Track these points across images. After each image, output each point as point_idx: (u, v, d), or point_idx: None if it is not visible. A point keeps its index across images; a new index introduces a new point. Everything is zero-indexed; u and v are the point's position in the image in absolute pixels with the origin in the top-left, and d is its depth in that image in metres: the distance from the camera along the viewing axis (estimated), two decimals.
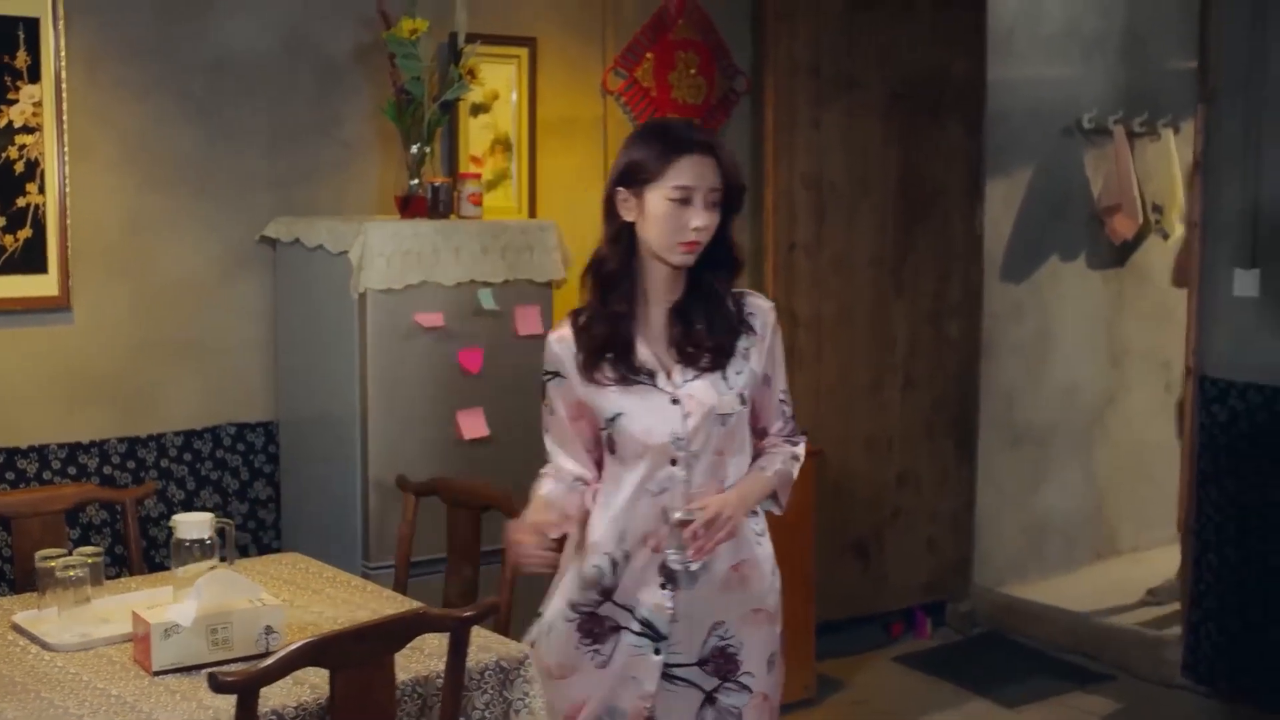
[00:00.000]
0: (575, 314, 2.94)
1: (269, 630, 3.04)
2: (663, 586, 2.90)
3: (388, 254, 4.19)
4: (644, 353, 2.88)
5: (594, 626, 2.95)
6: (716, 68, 5.46)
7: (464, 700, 2.98)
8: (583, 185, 5.19)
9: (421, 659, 3.01)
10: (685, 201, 2.80)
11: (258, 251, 4.61)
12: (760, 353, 2.95)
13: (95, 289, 4.35)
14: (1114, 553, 7.02)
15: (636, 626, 2.92)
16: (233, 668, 2.75)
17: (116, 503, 4.02)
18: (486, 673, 3.05)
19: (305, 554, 4.00)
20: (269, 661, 2.55)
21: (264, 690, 2.61)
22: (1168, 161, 6.72)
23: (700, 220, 2.81)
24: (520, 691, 3.09)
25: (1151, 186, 6.75)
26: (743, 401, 2.92)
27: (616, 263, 2.88)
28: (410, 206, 4.44)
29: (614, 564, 2.91)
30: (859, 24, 5.61)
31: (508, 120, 5.01)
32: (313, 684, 2.81)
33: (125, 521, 3.91)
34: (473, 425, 4.38)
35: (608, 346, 2.87)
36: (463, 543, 3.80)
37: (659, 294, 2.89)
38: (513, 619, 3.77)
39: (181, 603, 3.02)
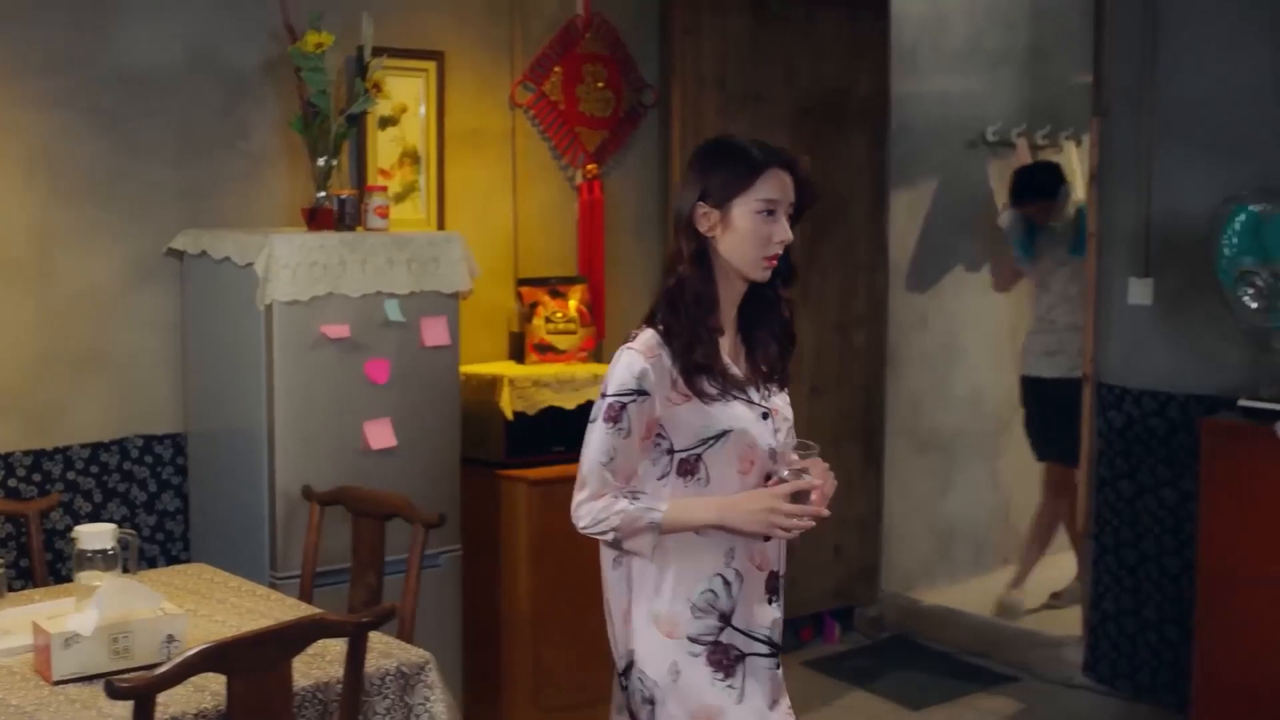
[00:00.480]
0: (660, 333, 2.80)
1: (171, 639, 3.06)
2: (770, 601, 2.88)
3: (293, 266, 4.22)
4: (731, 368, 2.85)
5: (721, 657, 2.83)
6: (624, 81, 5.53)
7: (364, 706, 3.02)
8: (491, 197, 5.24)
9: (323, 665, 3.05)
10: (770, 214, 2.80)
11: (165, 264, 4.61)
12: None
13: (0, 301, 4.34)
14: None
15: (763, 648, 2.87)
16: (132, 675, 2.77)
17: (20, 515, 4.02)
18: (388, 678, 3.09)
19: (214, 565, 4.02)
20: (165, 667, 2.58)
21: (164, 697, 2.64)
22: (1070, 173, 6.86)
23: (785, 234, 2.82)
24: (421, 696, 3.14)
25: None
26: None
27: (701, 280, 2.81)
28: (317, 219, 4.47)
29: (726, 584, 2.83)
30: (764, 39, 5.70)
31: (416, 133, 5.05)
32: (213, 690, 2.84)
33: (29, 534, 3.92)
34: (380, 435, 4.41)
35: (711, 364, 2.80)
36: (367, 551, 3.84)
37: (728, 307, 2.87)
38: (416, 625, 3.83)
39: (83, 613, 3.04)
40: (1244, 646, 4.45)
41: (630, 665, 2.87)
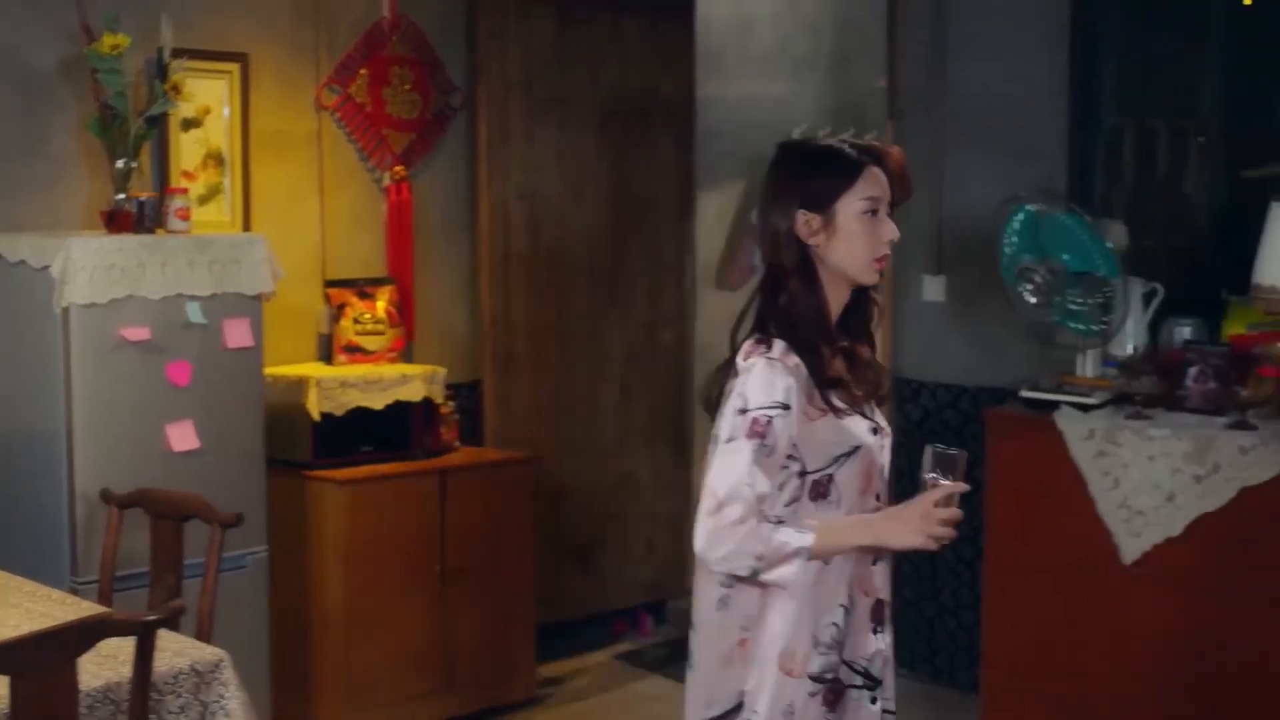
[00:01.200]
0: (787, 347, 2.63)
1: None
2: (875, 631, 2.71)
3: (91, 269, 4.20)
4: (847, 378, 2.68)
5: (833, 696, 2.66)
6: (431, 83, 5.57)
7: (157, 705, 3.03)
8: (298, 199, 5.25)
9: (115, 666, 3.05)
10: (874, 213, 2.68)
11: None
12: None
13: None
14: None
15: (859, 680, 2.69)
16: None
17: None
18: (180, 677, 3.10)
19: (14, 572, 3.97)
20: None
21: None
22: None
23: (893, 231, 2.70)
24: (216, 694, 3.15)
25: None
26: None
27: (812, 292, 2.67)
28: (116, 221, 4.45)
29: (847, 614, 2.65)
30: (570, 42, 5.80)
31: (220, 135, 5.04)
32: None
33: None
34: (182, 437, 4.40)
35: (843, 377, 2.65)
36: (166, 553, 3.84)
37: (834, 317, 2.73)
38: (222, 626, 3.84)
39: None
40: (1028, 629, 4.63)
41: (738, 708, 2.65)
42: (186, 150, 4.95)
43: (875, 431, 2.68)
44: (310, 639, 4.90)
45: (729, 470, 2.53)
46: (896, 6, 5.61)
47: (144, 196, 4.51)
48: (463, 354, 5.67)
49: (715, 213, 6.59)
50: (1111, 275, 4.48)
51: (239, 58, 5.05)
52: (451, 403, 5.35)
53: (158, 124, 4.70)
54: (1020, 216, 4.57)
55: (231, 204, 5.07)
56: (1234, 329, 4.51)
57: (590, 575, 6.04)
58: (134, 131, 4.47)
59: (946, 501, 2.59)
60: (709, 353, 6.57)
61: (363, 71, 5.38)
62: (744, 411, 2.56)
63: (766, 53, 6.87)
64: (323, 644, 4.88)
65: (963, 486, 2.60)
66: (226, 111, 5.04)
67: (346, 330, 5.18)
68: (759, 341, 2.63)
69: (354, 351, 5.17)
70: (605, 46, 5.91)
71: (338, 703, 4.87)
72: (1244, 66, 5.09)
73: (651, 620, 6.29)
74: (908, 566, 5.59)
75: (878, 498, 2.69)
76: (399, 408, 5.06)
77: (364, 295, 5.23)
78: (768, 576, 2.54)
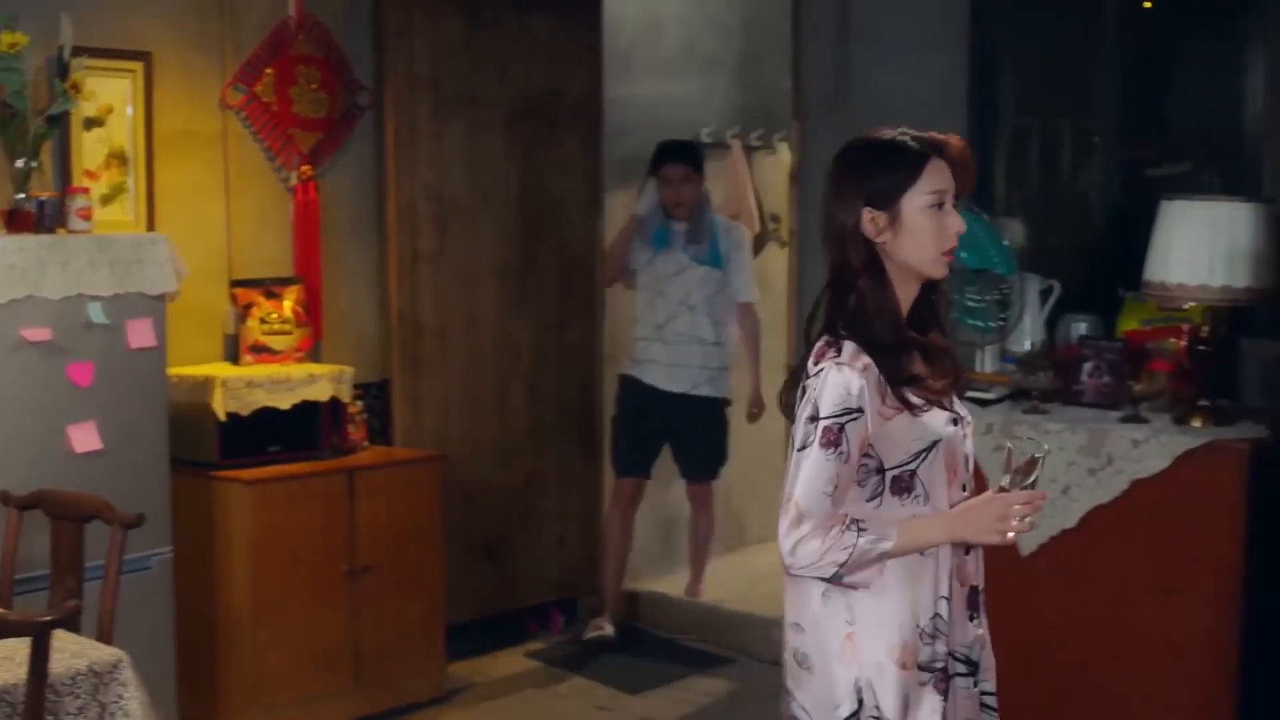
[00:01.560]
0: (857, 348, 2.60)
1: None
2: (971, 619, 2.75)
3: None
4: (923, 372, 2.69)
5: (943, 684, 2.71)
6: (339, 82, 5.57)
7: (55, 705, 3.03)
8: (203, 199, 5.23)
9: (12, 668, 3.04)
10: (939, 206, 2.65)
11: None
12: None
13: None
14: (743, 544, 7.39)
15: (962, 668, 2.75)
16: None
17: None
18: (79, 678, 3.11)
19: None
20: None
21: None
22: (782, 174, 7.14)
23: (960, 223, 2.67)
24: (115, 695, 3.15)
25: (769, 197, 7.16)
26: None
27: (880, 290, 2.64)
28: (16, 221, 4.42)
29: (948, 604, 2.69)
30: (478, 42, 5.82)
31: (124, 134, 5.00)
32: None
33: None
34: (84, 438, 4.38)
35: (917, 373, 2.65)
36: (66, 554, 3.82)
37: (904, 309, 2.70)
38: (125, 627, 3.82)
39: None
40: None
41: (859, 707, 2.66)
42: (89, 149, 4.92)
43: (955, 422, 2.69)
44: (217, 639, 4.89)
45: (807, 479, 2.55)
46: (801, 8, 5.67)
47: (45, 196, 4.48)
48: (371, 353, 5.67)
49: (623, 211, 6.62)
50: (1008, 273, 4.56)
51: (142, 56, 5.02)
52: (359, 402, 5.36)
53: (59, 123, 4.67)
54: None
55: (135, 204, 5.04)
56: (1128, 325, 4.61)
57: (500, 573, 6.06)
58: (34, 130, 4.45)
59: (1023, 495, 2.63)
60: (618, 351, 6.62)
61: (268, 71, 5.37)
62: (815, 419, 2.56)
63: (675, 52, 6.93)
64: (230, 644, 4.87)
65: (1041, 494, 2.64)
66: (130, 110, 5.01)
67: (253, 330, 5.16)
68: (829, 345, 2.62)
69: (261, 351, 5.16)
70: (513, 46, 5.93)
71: (245, 703, 4.86)
72: (1138, 66, 5.20)
73: (562, 618, 6.32)
74: None
75: (964, 487, 2.71)
76: (306, 407, 5.06)
77: (271, 295, 5.23)
78: (848, 580, 2.59)
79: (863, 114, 5.41)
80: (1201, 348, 4.28)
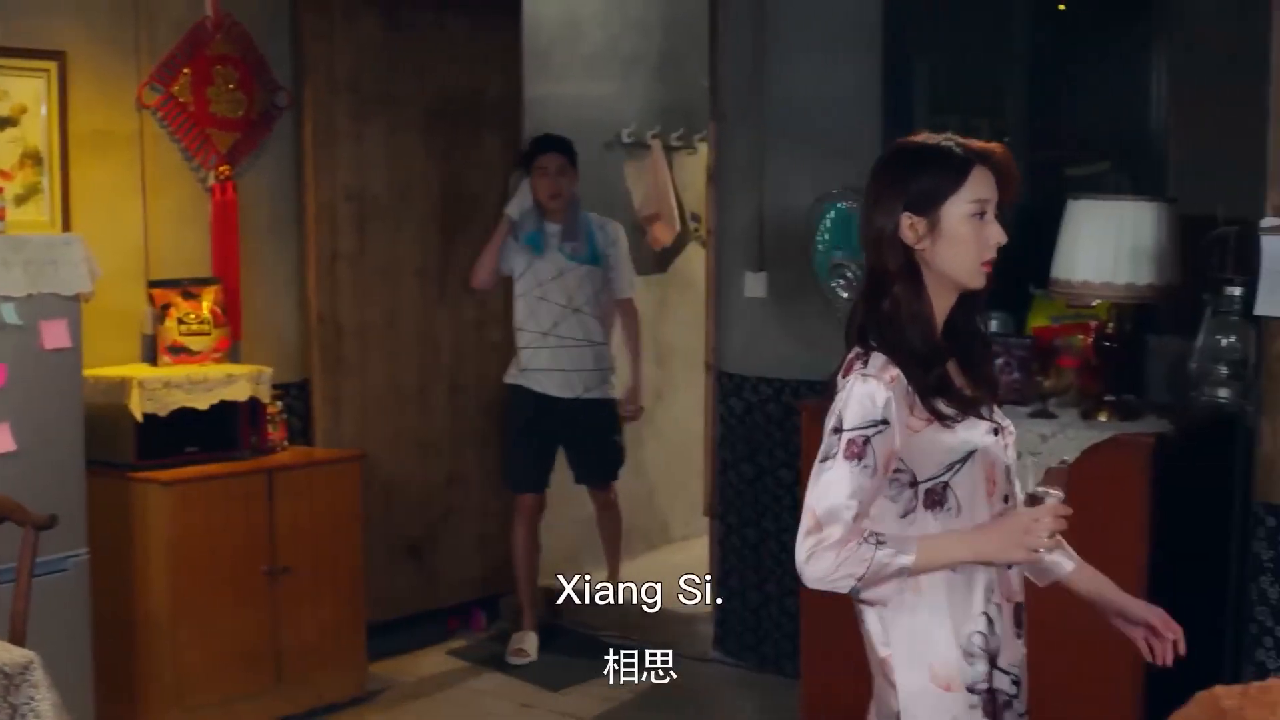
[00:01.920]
0: (886, 360, 2.53)
1: None
2: (1018, 635, 2.66)
3: None
4: (960, 382, 2.61)
5: (991, 707, 2.59)
6: (256, 83, 5.56)
7: None
8: (120, 199, 5.21)
9: None
10: (981, 215, 2.56)
11: None
12: None
13: None
14: (666, 541, 7.45)
15: (1013, 689, 2.63)
16: None
17: None
18: None
19: None
20: None
21: None
22: (703, 174, 7.19)
23: (1000, 235, 2.57)
24: (26, 696, 3.15)
25: (689, 196, 7.22)
26: None
27: (915, 297, 2.56)
28: None
29: (990, 622, 2.59)
30: (396, 43, 5.83)
31: (38, 134, 4.97)
32: None
33: None
34: None
35: (949, 383, 2.56)
36: None
37: (940, 321, 2.61)
38: (41, 630, 3.81)
39: None
40: (845, 614, 4.75)
41: None
42: (2, 150, 4.88)
43: (996, 432, 2.59)
44: (136, 641, 4.87)
45: (826, 491, 2.45)
46: (718, 8, 5.73)
47: None
48: (291, 354, 5.67)
49: None
50: None
51: (56, 56, 5.00)
52: (279, 402, 5.35)
53: None
54: (832, 214, 4.71)
55: (50, 204, 5.01)
56: (1037, 322, 4.69)
57: (422, 572, 6.07)
58: None
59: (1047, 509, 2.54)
60: None
61: (185, 71, 5.35)
62: (839, 431, 2.48)
63: (595, 52, 6.97)
64: (149, 646, 4.86)
65: (1066, 510, 2.54)
66: (44, 110, 4.98)
67: (171, 331, 5.15)
68: (857, 356, 2.56)
69: (179, 352, 5.15)
70: (432, 46, 5.95)
71: (165, 704, 4.85)
72: (1049, 67, 5.29)
73: (484, 616, 6.34)
74: (734, 556, 5.72)
75: (1005, 499, 2.61)
76: (225, 408, 5.05)
77: (189, 295, 5.21)
78: (865, 595, 2.51)
79: (778, 114, 5.50)
80: (1107, 344, 4.37)
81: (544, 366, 5.86)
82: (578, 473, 6.15)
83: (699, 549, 6.99)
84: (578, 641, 6.20)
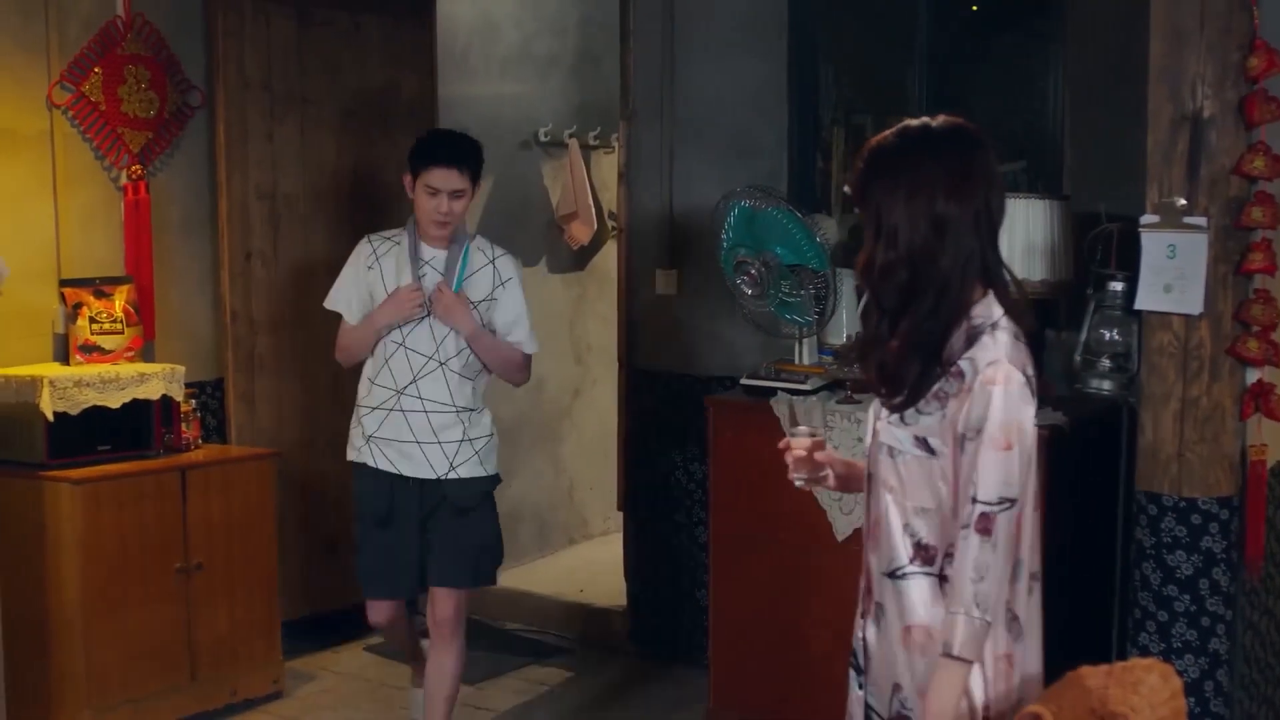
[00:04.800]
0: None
1: None
2: (861, 615, 2.79)
3: None
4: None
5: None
6: (169, 82, 5.58)
7: None
8: (29, 198, 5.21)
9: None
10: None
11: None
12: None
13: None
14: (586, 537, 7.51)
15: (851, 660, 2.82)
16: None
17: None
18: None
19: None
20: None
21: None
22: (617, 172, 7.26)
23: None
24: None
25: (607, 195, 7.27)
26: None
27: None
28: None
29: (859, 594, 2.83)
30: (309, 42, 5.86)
31: None
32: None
33: None
34: None
35: None
36: None
37: None
38: None
39: None
40: (752, 605, 4.86)
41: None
42: None
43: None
44: (48, 640, 4.88)
45: (1002, 478, 2.56)
46: (629, 7, 5.80)
47: None
48: (205, 352, 5.69)
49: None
50: (821, 268, 4.72)
51: None
52: (193, 401, 5.37)
53: None
54: (735, 212, 4.79)
55: None
56: None
57: (339, 569, 6.08)
58: None
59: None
60: None
61: (97, 70, 5.36)
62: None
63: (511, 52, 7.02)
64: (61, 645, 4.87)
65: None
66: None
67: (83, 330, 5.16)
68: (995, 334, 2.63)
69: (91, 351, 5.16)
70: (345, 45, 5.98)
71: (77, 705, 4.86)
72: (952, 67, 5.39)
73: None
74: (646, 549, 5.80)
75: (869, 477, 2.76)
76: (137, 407, 5.07)
77: (101, 294, 5.22)
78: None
79: (687, 114, 5.58)
80: None
81: (395, 437, 4.51)
82: (434, 572, 4.59)
83: (617, 544, 7.07)
84: (494, 635, 6.26)
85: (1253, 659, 3.97)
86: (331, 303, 4.71)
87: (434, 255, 4.54)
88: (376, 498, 4.56)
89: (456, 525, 4.55)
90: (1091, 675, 2.56)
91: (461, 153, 4.46)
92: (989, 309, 2.60)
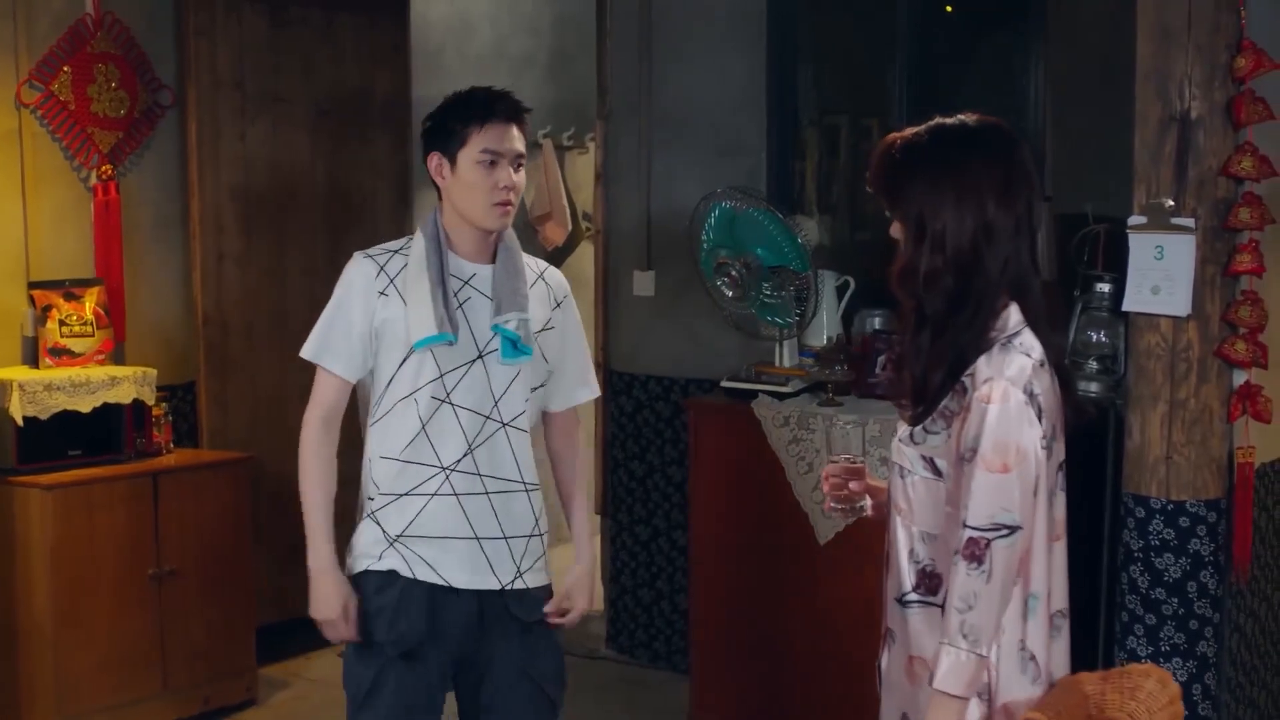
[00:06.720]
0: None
1: None
2: (881, 639, 2.70)
3: None
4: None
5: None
6: (139, 81, 5.50)
7: None
8: None
9: None
10: None
11: None
12: None
13: None
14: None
15: None
16: None
17: None
18: None
19: None
20: None
21: None
22: (593, 173, 7.21)
23: None
24: None
25: (581, 196, 7.23)
26: None
27: None
28: None
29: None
30: (282, 41, 5.79)
31: None
32: None
33: None
34: None
35: None
36: None
37: None
38: None
39: None
40: (733, 609, 4.83)
41: None
42: None
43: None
44: (19, 647, 4.81)
45: (1007, 504, 2.45)
46: (605, 7, 5.76)
47: None
48: (177, 355, 5.62)
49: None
50: (802, 269, 4.68)
51: None
52: (165, 404, 5.30)
53: None
54: (716, 213, 4.75)
55: None
56: None
57: None
58: None
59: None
60: None
61: (66, 69, 5.28)
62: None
63: (485, 51, 6.97)
64: (32, 652, 4.79)
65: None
66: None
67: (53, 332, 5.08)
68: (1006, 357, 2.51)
69: (61, 354, 5.08)
70: (318, 45, 5.92)
71: (50, 711, 4.78)
72: (931, 66, 5.37)
73: None
74: (625, 554, 5.75)
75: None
76: (108, 410, 5.00)
77: (71, 297, 5.14)
78: None
79: (665, 114, 5.54)
80: None
81: (444, 533, 3.19)
82: None
83: (595, 547, 7.02)
84: None
85: (1238, 662, 3.95)
86: (314, 352, 3.35)
87: (475, 272, 3.19)
88: (410, 619, 3.16)
89: (524, 650, 3.28)
90: (1089, 681, 2.54)
91: (520, 106, 3.32)
92: (1007, 321, 2.44)
